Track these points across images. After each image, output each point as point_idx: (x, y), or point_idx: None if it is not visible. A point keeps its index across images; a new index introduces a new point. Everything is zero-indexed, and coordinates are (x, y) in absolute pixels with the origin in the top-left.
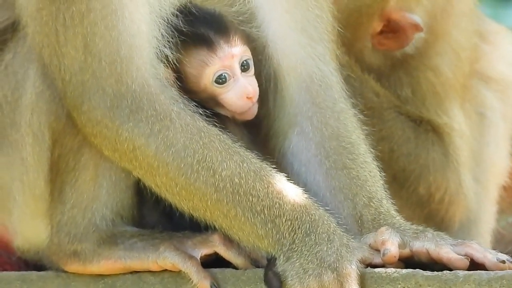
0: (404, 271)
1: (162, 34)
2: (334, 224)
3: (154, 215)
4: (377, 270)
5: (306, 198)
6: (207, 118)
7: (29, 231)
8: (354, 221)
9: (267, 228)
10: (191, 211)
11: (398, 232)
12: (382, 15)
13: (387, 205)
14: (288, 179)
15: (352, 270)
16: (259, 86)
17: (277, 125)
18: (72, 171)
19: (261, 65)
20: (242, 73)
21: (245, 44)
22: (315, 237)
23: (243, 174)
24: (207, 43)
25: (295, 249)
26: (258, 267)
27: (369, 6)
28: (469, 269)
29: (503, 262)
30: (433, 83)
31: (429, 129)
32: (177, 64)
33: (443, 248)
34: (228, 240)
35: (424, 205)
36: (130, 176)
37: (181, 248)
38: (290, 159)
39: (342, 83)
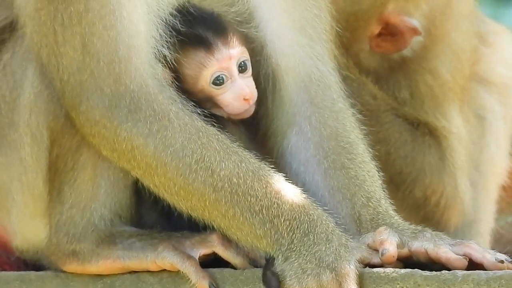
0: (403, 271)
1: (160, 34)
2: (332, 224)
3: (153, 215)
4: (375, 270)
5: (305, 198)
6: (205, 118)
7: (28, 231)
8: (353, 221)
9: (265, 228)
10: (189, 211)
11: (396, 232)
12: (380, 18)
13: (386, 205)
14: (286, 179)
15: (350, 270)
16: (257, 86)
17: (276, 124)
18: (71, 171)
19: (260, 65)
20: (240, 74)
21: (243, 45)
22: (314, 237)
23: (241, 174)
24: (205, 45)
25: (294, 249)
26: (257, 267)
27: (367, 10)
28: (467, 269)
29: (502, 262)
30: (431, 85)
31: (426, 132)
32: (175, 64)
33: (441, 248)
34: (227, 240)
35: (420, 207)
36: (128, 176)
37: (179, 248)
38: (289, 159)
39: (340, 83)
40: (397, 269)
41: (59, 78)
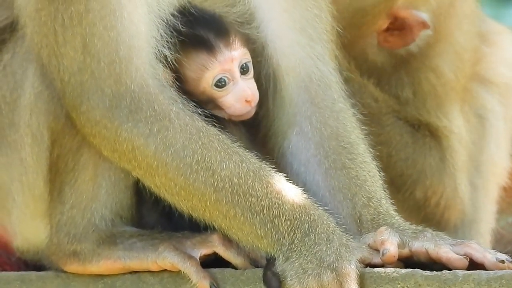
0: (404, 271)
1: (161, 35)
2: (333, 224)
3: (153, 215)
4: (376, 270)
5: (305, 198)
6: (206, 118)
7: (29, 231)
8: (353, 221)
9: (266, 228)
10: (190, 211)
11: (397, 232)
12: (389, 13)
13: (386, 205)
14: (287, 179)
15: (351, 270)
16: (258, 87)
17: (276, 125)
18: (71, 171)
19: (261, 66)
20: (242, 76)
21: (245, 46)
22: (314, 237)
23: (242, 174)
24: (207, 47)
25: (294, 249)
26: (257, 267)
27: (376, 5)
28: (468, 268)
29: (502, 261)
30: (434, 84)
31: (426, 134)
32: (176, 65)
33: (442, 248)
34: (227, 240)
35: (420, 209)
36: (129, 176)
37: (180, 248)
38: (289, 159)
39: (341, 83)
40: (398, 269)
41: (59, 79)
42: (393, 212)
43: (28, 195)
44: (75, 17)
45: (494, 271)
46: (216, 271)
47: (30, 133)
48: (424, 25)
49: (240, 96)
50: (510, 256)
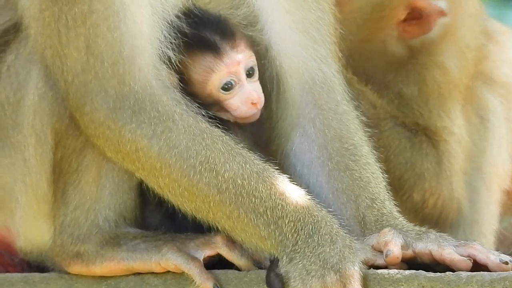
0: (407, 272)
1: (164, 36)
2: (337, 226)
3: (157, 217)
4: (379, 271)
5: (309, 199)
6: (209, 120)
7: (32, 232)
8: (357, 223)
9: (270, 230)
10: (194, 213)
11: (401, 233)
12: (407, 4)
13: (390, 207)
14: (290, 181)
15: (354, 271)
16: (262, 88)
17: (280, 126)
18: (75, 172)
19: (264, 67)
20: (247, 78)
21: (250, 49)
22: (318, 238)
23: (246, 176)
24: (213, 49)
25: (298, 250)
26: (261, 268)
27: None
28: (472, 270)
29: (506, 263)
30: (439, 82)
31: (423, 140)
32: (181, 66)
33: (446, 249)
34: (231, 241)
35: (418, 210)
36: (133, 178)
37: (184, 250)
38: (293, 161)
39: (344, 85)
40: (401, 271)
41: (63, 79)
42: (396, 213)
43: (31, 196)
44: (79, 18)
45: (497, 272)
46: (219, 272)
47: (34, 133)
48: (441, 13)
49: (246, 99)
50: None
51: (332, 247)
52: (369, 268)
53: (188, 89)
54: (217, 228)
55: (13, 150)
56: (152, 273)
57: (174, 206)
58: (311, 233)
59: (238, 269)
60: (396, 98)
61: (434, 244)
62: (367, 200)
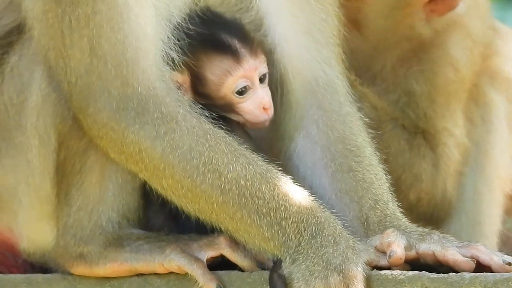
0: (410, 273)
1: (168, 37)
2: (340, 227)
3: (160, 218)
4: (383, 272)
5: (312, 200)
6: (213, 121)
7: (35, 233)
8: (360, 223)
9: (273, 231)
10: (197, 214)
11: (404, 234)
12: None
13: (393, 208)
14: (294, 182)
15: (358, 272)
16: None
17: (283, 128)
18: (78, 173)
19: (268, 69)
20: (260, 84)
21: (264, 54)
22: (321, 239)
23: (249, 177)
24: (233, 53)
25: (301, 251)
26: (264, 269)
27: None
28: (475, 271)
29: (509, 264)
30: (449, 80)
31: (421, 143)
32: (195, 68)
33: (449, 250)
34: (234, 242)
35: (413, 209)
36: (136, 179)
37: (187, 251)
38: (296, 162)
39: (347, 87)
40: (404, 272)
41: (66, 81)
42: (399, 214)
43: (34, 197)
44: (82, 19)
45: (500, 273)
46: (222, 273)
47: (37, 135)
48: None
49: (259, 103)
50: None
51: (335, 248)
52: (372, 269)
53: (200, 90)
54: (220, 229)
55: (16, 151)
56: (155, 274)
57: (177, 207)
58: (314, 234)
59: (241, 270)
60: (405, 95)
61: (437, 245)
62: (370, 201)
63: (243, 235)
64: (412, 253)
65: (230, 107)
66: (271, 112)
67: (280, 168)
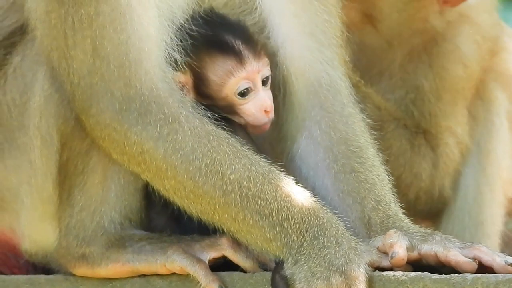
0: (412, 274)
1: (171, 38)
2: (342, 227)
3: (162, 219)
4: (385, 273)
5: (314, 201)
6: (215, 122)
7: (37, 234)
8: (362, 224)
9: (275, 231)
10: (199, 215)
11: (406, 235)
12: None
13: (395, 209)
14: (296, 183)
15: (360, 273)
16: None
17: (286, 129)
18: (81, 174)
19: (271, 71)
20: (262, 86)
21: (267, 57)
22: (324, 240)
23: (251, 177)
24: (236, 55)
25: (303, 252)
26: (266, 270)
27: None
28: (477, 272)
29: (511, 265)
30: (459, 77)
31: (422, 143)
32: (197, 69)
33: (451, 251)
34: (236, 243)
35: (411, 208)
36: (138, 180)
37: (189, 252)
38: (298, 163)
39: (350, 87)
40: (406, 272)
41: (69, 81)
42: (402, 215)
43: (36, 198)
44: (85, 19)
45: (503, 274)
46: (225, 274)
47: (40, 135)
48: None
49: (261, 106)
50: None
51: (337, 249)
52: (375, 270)
53: (202, 90)
54: (222, 230)
55: (19, 152)
56: (158, 275)
57: (180, 208)
58: (317, 235)
59: (243, 271)
60: (412, 91)
61: (439, 246)
62: (372, 202)
63: (245, 236)
64: (414, 254)
65: (231, 109)
66: (271, 115)
67: (283, 169)
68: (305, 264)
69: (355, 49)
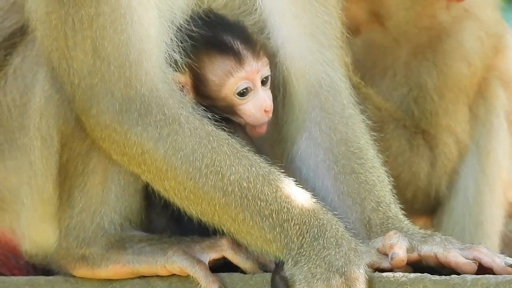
0: (412, 275)
1: (171, 39)
2: (342, 229)
3: (163, 220)
4: (385, 274)
5: (315, 202)
6: (215, 123)
7: (37, 235)
8: (362, 226)
9: (275, 232)
10: (199, 216)
11: (406, 236)
12: None
13: (395, 210)
14: (296, 184)
15: (360, 274)
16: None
17: (286, 130)
18: (81, 175)
19: (272, 72)
20: (262, 86)
21: (267, 57)
22: (324, 241)
23: (251, 178)
24: (235, 55)
25: (303, 253)
26: (266, 271)
27: None
28: (477, 273)
29: (511, 266)
30: (462, 73)
31: (421, 143)
32: (196, 69)
33: (451, 252)
34: (236, 244)
35: (408, 206)
36: (138, 180)
37: (189, 253)
38: (298, 164)
39: (350, 89)
40: (406, 274)
41: (69, 82)
42: (402, 216)
43: (37, 199)
44: (86, 20)
45: (502, 275)
46: (225, 275)
47: (40, 136)
48: None
49: (260, 106)
50: None
51: (337, 250)
52: (375, 271)
53: (201, 91)
54: (222, 231)
55: (19, 153)
56: (158, 276)
57: (180, 209)
58: (317, 236)
59: (243, 272)
60: (415, 89)
61: (439, 247)
62: (372, 203)
63: (245, 237)
64: (414, 255)
65: (231, 109)
66: (271, 114)
67: (283, 170)
68: (305, 265)
69: (360, 47)
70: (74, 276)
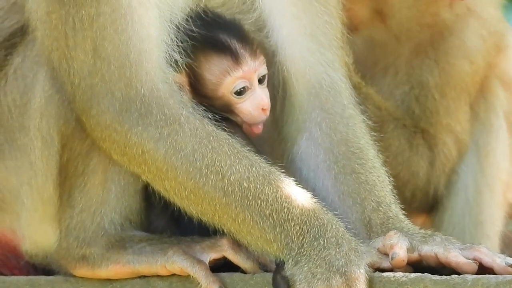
0: (413, 275)
1: (171, 39)
2: (342, 229)
3: (163, 220)
4: (385, 274)
5: (315, 202)
6: (216, 123)
7: (38, 235)
8: (363, 226)
9: (275, 232)
10: (199, 216)
11: (406, 236)
12: None
13: (396, 210)
14: (296, 184)
15: (360, 274)
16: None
17: (286, 130)
18: (81, 175)
19: (270, 71)
20: (259, 85)
21: (264, 56)
22: (324, 241)
23: (252, 178)
24: (232, 54)
25: (304, 253)
26: (267, 271)
27: None
28: (477, 273)
29: None
30: (464, 71)
31: (420, 143)
32: (192, 67)
33: (451, 252)
34: (237, 244)
35: (406, 205)
36: (139, 181)
37: (189, 253)
38: (299, 165)
39: (351, 89)
40: (407, 274)
41: (70, 82)
42: (402, 216)
43: (37, 199)
44: (86, 20)
45: (503, 275)
46: (225, 275)
47: (40, 136)
48: None
49: (258, 104)
50: None
51: (337, 250)
52: (375, 271)
53: (198, 90)
54: (223, 231)
55: (19, 153)
56: (158, 276)
57: (180, 209)
58: (317, 236)
59: (244, 272)
60: (417, 87)
61: (440, 247)
62: (373, 203)
63: (246, 237)
64: (415, 255)
65: (228, 108)
66: (268, 112)
67: (283, 170)
68: (306, 265)
69: (362, 46)
70: (74, 276)
